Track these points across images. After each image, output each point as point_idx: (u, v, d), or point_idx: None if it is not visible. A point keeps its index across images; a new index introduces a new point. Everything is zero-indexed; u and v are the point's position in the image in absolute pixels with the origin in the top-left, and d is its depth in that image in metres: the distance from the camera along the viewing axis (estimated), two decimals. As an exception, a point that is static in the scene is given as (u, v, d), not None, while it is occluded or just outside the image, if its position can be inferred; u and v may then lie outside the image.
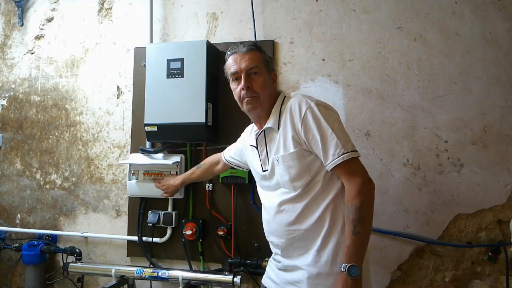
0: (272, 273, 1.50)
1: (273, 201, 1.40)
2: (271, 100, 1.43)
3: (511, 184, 1.87)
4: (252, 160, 1.53)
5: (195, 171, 1.96)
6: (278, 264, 1.45)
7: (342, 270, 1.22)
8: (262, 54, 1.44)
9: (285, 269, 1.42)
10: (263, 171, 1.44)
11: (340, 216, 1.32)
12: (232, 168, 1.91)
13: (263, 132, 1.43)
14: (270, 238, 1.47)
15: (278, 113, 1.39)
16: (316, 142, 1.28)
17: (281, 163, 1.35)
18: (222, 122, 2.15)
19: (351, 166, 1.27)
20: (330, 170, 1.29)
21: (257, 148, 1.47)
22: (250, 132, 1.60)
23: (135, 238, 2.22)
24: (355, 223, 1.22)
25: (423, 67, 1.98)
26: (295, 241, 1.36)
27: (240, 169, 1.89)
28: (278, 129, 1.37)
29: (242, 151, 1.68)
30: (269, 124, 1.39)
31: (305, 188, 1.33)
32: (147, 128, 2.06)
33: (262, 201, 1.50)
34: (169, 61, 2.04)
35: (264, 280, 1.55)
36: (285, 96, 1.45)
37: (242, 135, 1.72)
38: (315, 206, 1.33)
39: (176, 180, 1.99)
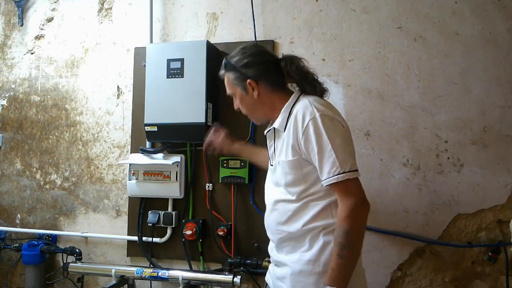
0: (270, 268, 1.52)
1: (271, 197, 1.41)
2: (270, 106, 1.37)
3: (511, 184, 1.87)
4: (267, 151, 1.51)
5: (262, 150, 1.70)
6: (272, 259, 1.47)
7: None
8: (230, 73, 1.39)
9: (276, 264, 1.44)
10: (271, 165, 1.44)
11: (331, 221, 1.29)
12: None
13: (273, 128, 1.40)
14: (267, 233, 1.47)
15: (287, 114, 1.33)
16: (314, 156, 1.24)
17: (281, 167, 1.34)
18: (222, 122, 2.15)
19: (346, 187, 1.22)
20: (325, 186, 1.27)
21: (267, 141, 1.45)
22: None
23: (135, 238, 2.22)
24: (342, 247, 1.19)
25: (423, 67, 1.98)
26: (283, 241, 1.37)
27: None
28: (284, 131, 1.33)
29: None
30: (276, 125, 1.36)
31: (300, 194, 1.31)
32: (147, 128, 2.06)
33: (265, 196, 1.49)
34: (169, 61, 2.04)
35: (266, 276, 1.56)
36: (299, 95, 1.36)
37: None
38: (306, 211, 1.31)
39: (235, 143, 1.73)
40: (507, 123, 1.89)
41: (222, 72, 1.43)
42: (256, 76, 1.35)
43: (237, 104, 1.43)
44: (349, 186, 1.22)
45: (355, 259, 1.23)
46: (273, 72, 1.37)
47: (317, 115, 1.24)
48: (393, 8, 2.03)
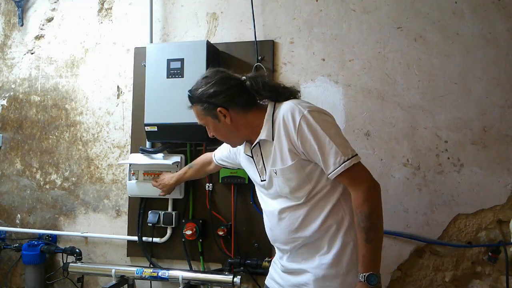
0: (276, 275, 1.48)
1: (273, 207, 1.38)
2: (247, 126, 1.36)
3: (511, 184, 1.87)
4: (249, 169, 1.50)
5: (187, 171, 1.93)
6: (282, 267, 1.43)
7: (361, 280, 1.20)
8: (198, 106, 1.36)
9: (290, 272, 1.40)
10: (262, 180, 1.40)
11: (344, 217, 1.30)
12: (226, 168, 1.88)
13: (257, 143, 1.37)
14: (275, 244, 1.45)
15: (270, 122, 1.32)
16: (315, 153, 1.24)
17: (280, 175, 1.31)
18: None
19: (354, 173, 1.23)
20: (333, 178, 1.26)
21: (252, 158, 1.42)
22: None
23: (135, 238, 2.22)
24: (367, 231, 1.20)
25: (423, 67, 1.98)
26: (299, 248, 1.35)
27: (237, 168, 1.85)
28: (273, 139, 1.32)
29: (236, 154, 1.63)
30: (262, 136, 1.33)
31: (308, 195, 1.30)
32: (147, 128, 2.06)
33: (262, 206, 1.47)
34: (169, 61, 2.04)
35: (268, 282, 1.53)
36: (275, 103, 1.35)
37: None
38: (318, 212, 1.30)
39: (171, 179, 1.98)
40: (507, 123, 1.89)
41: (190, 103, 1.41)
42: (225, 103, 1.33)
43: (211, 132, 1.42)
44: (357, 171, 1.24)
45: (381, 240, 1.24)
46: (241, 94, 1.34)
47: (306, 112, 1.25)
48: (393, 8, 2.03)
